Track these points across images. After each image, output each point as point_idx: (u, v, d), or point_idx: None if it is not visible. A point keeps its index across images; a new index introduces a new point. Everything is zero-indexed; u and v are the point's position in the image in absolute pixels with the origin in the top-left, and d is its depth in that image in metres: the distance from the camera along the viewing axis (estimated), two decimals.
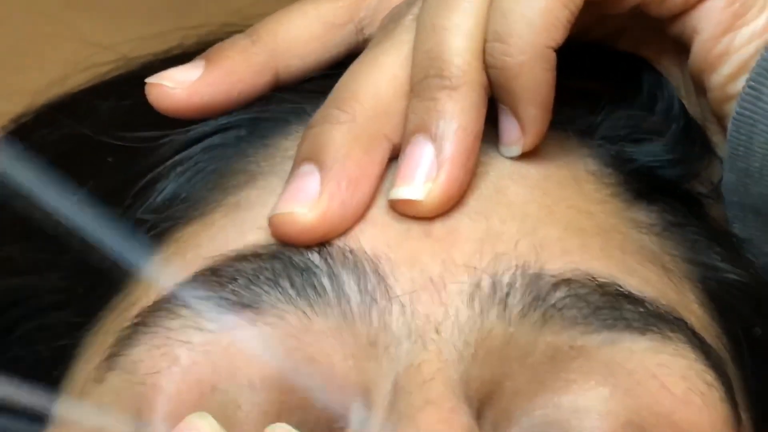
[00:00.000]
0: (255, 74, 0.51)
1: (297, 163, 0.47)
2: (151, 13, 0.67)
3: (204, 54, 0.52)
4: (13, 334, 0.51)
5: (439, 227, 0.46)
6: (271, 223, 0.46)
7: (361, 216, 0.46)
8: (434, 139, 0.46)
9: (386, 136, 0.47)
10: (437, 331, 0.44)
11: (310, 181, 0.46)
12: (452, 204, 0.46)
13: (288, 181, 0.47)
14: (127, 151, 0.51)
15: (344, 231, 0.46)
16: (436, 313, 0.44)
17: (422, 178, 0.46)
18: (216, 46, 0.52)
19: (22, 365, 0.50)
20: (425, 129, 0.46)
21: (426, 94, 0.47)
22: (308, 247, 0.45)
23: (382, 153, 0.47)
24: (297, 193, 0.46)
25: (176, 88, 0.50)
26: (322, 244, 0.45)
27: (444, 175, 0.46)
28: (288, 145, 0.49)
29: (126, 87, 0.56)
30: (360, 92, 0.47)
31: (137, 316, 0.46)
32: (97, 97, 0.56)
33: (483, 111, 0.47)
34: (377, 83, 0.47)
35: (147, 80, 0.51)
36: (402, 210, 0.46)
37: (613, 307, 0.45)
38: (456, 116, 0.46)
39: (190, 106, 0.50)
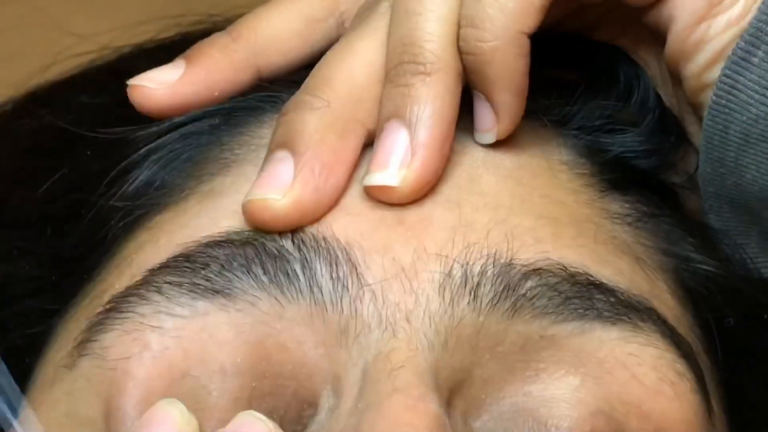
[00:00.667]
0: (236, 72, 0.51)
1: (271, 149, 0.47)
2: (133, 3, 0.67)
3: (185, 53, 0.52)
4: None
5: (412, 216, 0.46)
6: (245, 209, 0.46)
7: (335, 202, 0.46)
8: (409, 125, 0.46)
9: (361, 121, 0.47)
10: (407, 320, 0.44)
11: (283, 167, 0.46)
12: (427, 189, 0.46)
13: (262, 167, 0.47)
14: (103, 142, 0.51)
15: (318, 217, 0.46)
16: (407, 301, 0.44)
17: (397, 164, 0.46)
18: (196, 44, 0.52)
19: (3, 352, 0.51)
20: (400, 115, 0.46)
21: (400, 80, 0.46)
22: (281, 233, 0.45)
23: (356, 139, 0.47)
24: (270, 180, 0.46)
25: (158, 88, 0.50)
26: (295, 230, 0.45)
27: (418, 161, 0.46)
28: (263, 132, 0.49)
29: (103, 79, 0.56)
30: (334, 78, 0.47)
31: (109, 302, 0.46)
32: (75, 89, 0.56)
33: (457, 96, 0.47)
34: (352, 69, 0.47)
35: (129, 82, 0.51)
36: (377, 196, 0.46)
37: (583, 296, 0.45)
38: (430, 102, 0.46)
39: (173, 106, 0.50)
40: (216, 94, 0.50)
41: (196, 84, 0.50)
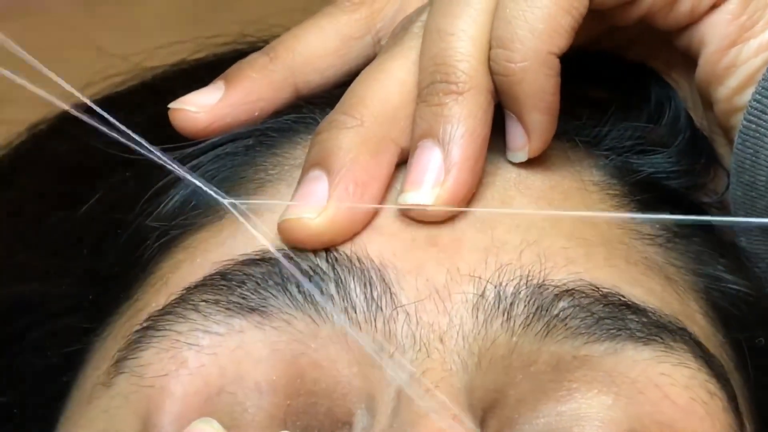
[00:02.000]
0: (275, 92, 0.52)
1: (306, 168, 0.47)
2: (166, 24, 0.68)
3: (223, 74, 0.52)
4: (24, 339, 0.51)
5: (444, 237, 0.46)
6: (280, 228, 0.46)
7: (369, 220, 0.46)
8: (442, 143, 0.46)
9: (394, 140, 0.47)
10: (441, 340, 0.44)
11: (318, 186, 0.46)
12: None
13: (297, 186, 0.47)
14: (139, 162, 0.52)
15: (353, 235, 0.46)
16: (441, 322, 0.45)
17: (430, 183, 0.46)
18: (235, 65, 0.53)
19: (33, 371, 0.51)
20: (432, 134, 0.47)
21: (433, 99, 0.47)
22: (316, 253, 0.46)
23: (389, 157, 0.47)
24: (305, 198, 0.46)
25: (199, 111, 0.51)
26: (329, 250, 0.46)
27: (452, 180, 0.46)
28: (296, 154, 0.50)
29: (138, 99, 0.57)
30: (368, 97, 0.48)
31: (147, 320, 0.46)
32: (110, 109, 0.56)
33: (490, 115, 0.47)
34: (385, 88, 0.48)
35: (170, 106, 0.52)
36: (411, 215, 0.47)
37: (616, 317, 0.45)
38: (463, 121, 0.46)
39: (213, 128, 0.51)
40: (256, 114, 0.51)
41: (236, 105, 0.51)
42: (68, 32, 0.72)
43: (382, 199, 0.47)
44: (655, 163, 0.51)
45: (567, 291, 0.45)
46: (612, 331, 0.45)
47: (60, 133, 0.56)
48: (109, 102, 0.58)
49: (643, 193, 0.50)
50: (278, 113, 0.51)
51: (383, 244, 0.46)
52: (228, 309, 0.45)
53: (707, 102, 0.51)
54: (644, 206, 0.50)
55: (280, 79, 0.52)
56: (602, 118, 0.52)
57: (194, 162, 0.50)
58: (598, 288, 0.46)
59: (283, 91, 0.52)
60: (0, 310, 0.52)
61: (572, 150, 0.50)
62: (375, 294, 0.45)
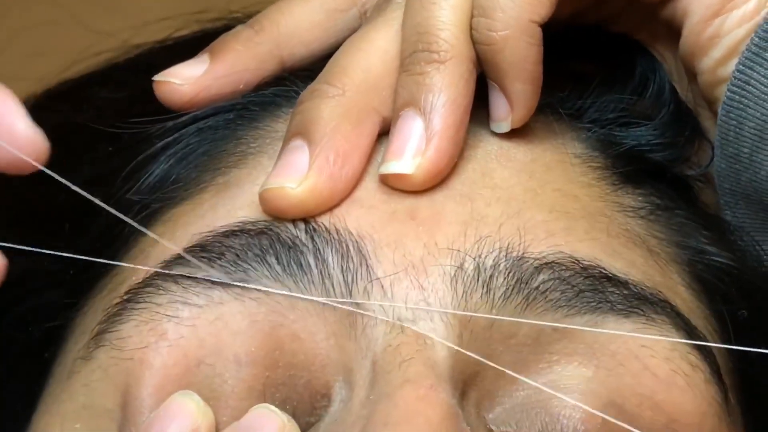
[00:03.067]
0: (260, 64, 0.51)
1: (287, 138, 0.47)
2: (153, 1, 0.67)
3: (208, 47, 0.52)
4: (7, 315, 0.51)
5: (423, 210, 0.46)
6: (261, 197, 0.46)
7: (351, 189, 0.46)
8: (423, 113, 0.46)
9: (376, 109, 0.47)
10: (414, 321, 0.44)
11: (299, 155, 0.46)
12: (442, 177, 0.47)
13: (278, 156, 0.47)
14: (121, 137, 0.52)
15: (334, 205, 0.46)
16: (415, 297, 0.44)
17: (411, 152, 0.46)
18: (220, 38, 0.53)
19: (16, 346, 0.51)
20: (414, 103, 0.46)
21: (415, 69, 0.47)
22: (295, 224, 0.45)
23: (371, 126, 0.47)
24: (286, 168, 0.46)
25: (184, 84, 0.51)
26: (308, 221, 0.46)
27: (433, 149, 0.46)
28: (278, 127, 0.50)
29: (123, 75, 0.56)
30: (350, 67, 0.48)
31: (126, 293, 0.46)
32: (95, 85, 0.56)
33: (472, 84, 0.47)
34: (367, 58, 0.48)
35: (154, 78, 0.51)
36: (392, 184, 0.46)
37: (596, 289, 0.45)
38: (444, 89, 0.46)
39: (199, 101, 0.51)
40: (241, 86, 0.51)
41: (221, 78, 0.51)
42: (55, 9, 0.72)
43: (364, 169, 0.47)
44: (638, 136, 0.51)
45: (547, 264, 0.45)
46: (592, 304, 0.45)
47: (43, 109, 0.56)
48: (93, 78, 0.58)
49: (626, 165, 0.50)
50: (261, 86, 0.51)
51: (362, 216, 0.46)
52: (207, 281, 0.45)
53: (691, 74, 0.51)
54: (627, 178, 0.50)
55: (265, 51, 0.52)
56: (585, 91, 0.51)
57: (175, 135, 0.50)
58: (578, 261, 0.45)
59: (268, 63, 0.52)
60: None
61: (555, 122, 0.50)
62: (351, 266, 0.45)
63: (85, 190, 0.51)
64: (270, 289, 0.45)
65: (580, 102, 0.51)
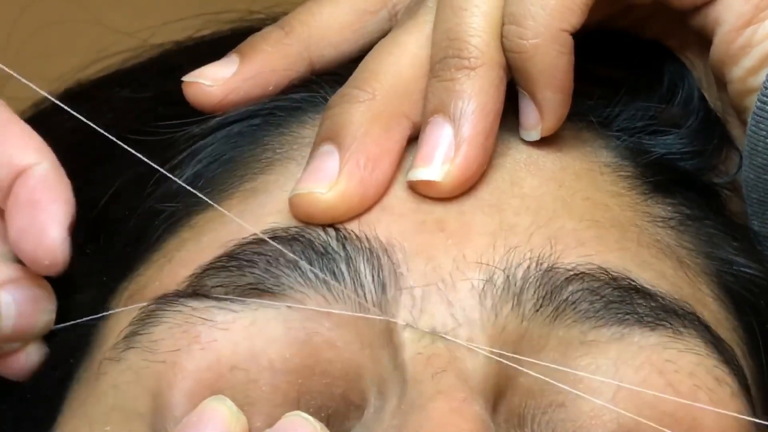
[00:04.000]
0: (289, 66, 0.51)
1: (317, 143, 0.47)
2: (173, 1, 0.67)
3: (237, 48, 0.52)
4: None
5: (452, 222, 0.46)
6: (291, 203, 0.46)
7: (381, 194, 0.46)
8: (452, 119, 0.46)
9: (406, 114, 0.47)
10: (445, 329, 0.44)
11: (329, 160, 0.46)
12: (471, 184, 0.46)
13: (308, 161, 0.47)
14: (145, 141, 0.51)
15: (364, 210, 0.46)
16: (443, 313, 0.44)
17: (440, 159, 0.46)
18: (249, 39, 0.52)
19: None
20: (444, 109, 0.46)
21: (445, 75, 0.46)
22: (326, 231, 0.45)
23: (401, 131, 0.47)
24: (316, 173, 0.46)
25: (213, 85, 0.51)
26: (338, 228, 0.45)
27: (462, 156, 0.46)
28: (305, 132, 0.49)
29: (144, 76, 0.56)
30: (380, 71, 0.47)
31: (161, 297, 0.46)
32: (116, 86, 0.56)
33: (502, 91, 0.47)
34: (398, 63, 0.47)
35: (183, 79, 0.51)
36: (421, 191, 0.46)
37: (624, 301, 0.45)
38: (474, 96, 0.46)
39: (228, 103, 0.51)
40: (270, 88, 0.51)
41: (251, 79, 0.50)
42: (75, 8, 0.72)
43: (394, 174, 0.46)
44: (667, 144, 0.51)
45: (577, 275, 0.45)
46: (620, 315, 0.45)
47: (62, 110, 0.56)
48: (114, 79, 0.57)
49: (655, 174, 0.50)
50: (289, 89, 0.51)
51: (391, 224, 0.45)
52: (241, 291, 0.45)
53: (721, 82, 0.50)
54: (656, 188, 0.49)
55: (294, 53, 0.51)
56: (614, 98, 0.51)
57: (200, 143, 0.50)
58: (608, 271, 0.45)
59: (297, 65, 0.51)
60: None
61: (583, 131, 0.50)
62: (382, 275, 0.44)
63: (108, 195, 0.51)
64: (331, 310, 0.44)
65: (609, 110, 0.51)
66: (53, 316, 0.47)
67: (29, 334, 0.47)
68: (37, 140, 0.47)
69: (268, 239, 0.45)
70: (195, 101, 0.51)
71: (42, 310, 0.47)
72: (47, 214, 0.45)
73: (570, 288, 0.45)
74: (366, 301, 0.44)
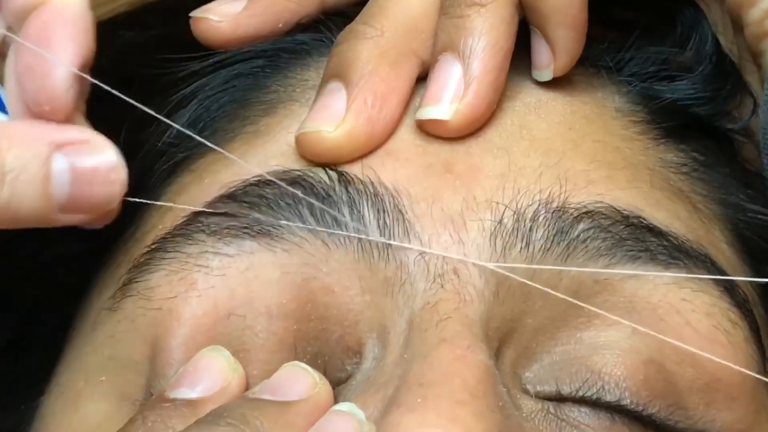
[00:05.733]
0: (299, 2, 0.50)
1: (324, 80, 0.46)
2: None
3: None
4: (29, 266, 0.50)
5: (460, 164, 0.45)
6: (297, 141, 0.45)
7: (389, 133, 0.45)
8: (462, 57, 0.45)
9: (415, 52, 0.46)
10: (455, 272, 0.43)
11: (336, 98, 0.45)
12: (480, 123, 0.45)
13: (315, 98, 0.46)
14: (148, 81, 0.51)
15: (372, 148, 0.45)
16: (455, 252, 0.43)
17: (449, 97, 0.45)
18: None
19: (37, 300, 0.50)
20: (453, 47, 0.45)
21: (455, 11, 0.45)
22: (328, 174, 0.44)
23: (410, 68, 0.46)
24: (323, 111, 0.45)
25: (221, 21, 0.49)
26: (341, 172, 0.44)
27: (471, 95, 0.45)
28: (308, 75, 0.48)
29: (150, 17, 0.55)
30: (389, 8, 0.46)
31: (154, 242, 0.45)
32: (120, 28, 0.55)
33: (513, 28, 0.46)
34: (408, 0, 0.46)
35: (192, 14, 0.50)
36: (429, 130, 0.45)
37: (637, 238, 0.44)
38: (485, 33, 0.45)
39: (236, 39, 0.50)
40: (279, 25, 0.50)
41: (260, 16, 0.49)
42: None
43: (402, 113, 0.45)
44: (679, 89, 0.50)
45: (587, 213, 0.44)
46: (632, 253, 0.44)
47: None
48: (118, 21, 0.56)
49: (668, 119, 0.49)
50: (295, 30, 0.50)
51: (398, 170, 0.44)
52: (240, 230, 0.44)
53: (737, 25, 0.49)
54: (669, 133, 0.48)
55: None
56: (626, 43, 0.50)
57: (201, 81, 0.49)
58: (619, 210, 0.44)
59: (308, 2, 0.50)
60: (7, 236, 0.50)
61: (594, 76, 0.49)
62: (388, 220, 0.43)
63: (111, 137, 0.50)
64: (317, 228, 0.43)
65: (621, 54, 0.50)
66: (121, 188, 0.42)
67: (90, 206, 0.42)
68: None
69: (274, 180, 0.44)
70: (203, 37, 0.50)
71: (105, 182, 0.42)
72: (54, 52, 0.41)
73: (580, 226, 0.44)
74: (370, 245, 0.43)
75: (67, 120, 0.42)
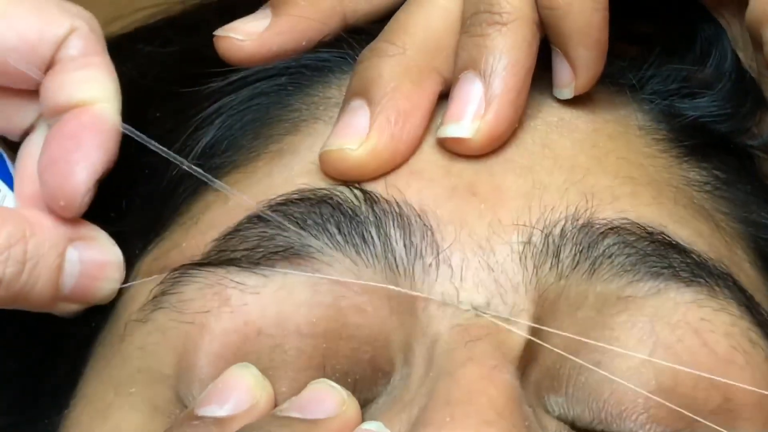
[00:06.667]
0: (322, 20, 0.50)
1: (347, 98, 0.46)
2: None
3: (270, 2, 0.51)
4: None
5: (484, 185, 0.45)
6: (321, 159, 0.45)
7: (412, 151, 0.45)
8: (483, 75, 0.45)
9: (437, 69, 0.46)
10: (488, 304, 0.43)
11: (359, 116, 0.45)
12: (501, 142, 0.46)
13: (338, 116, 0.46)
14: (169, 97, 0.51)
15: (395, 166, 0.45)
16: (485, 280, 0.43)
17: (471, 115, 0.45)
18: None
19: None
20: (474, 65, 0.45)
21: (476, 30, 0.46)
22: (355, 194, 0.44)
23: (432, 86, 0.46)
24: (346, 129, 0.45)
25: (245, 39, 0.50)
26: (366, 191, 0.44)
27: (492, 113, 0.45)
28: (330, 93, 0.49)
29: (169, 32, 0.55)
30: (411, 25, 0.46)
31: (188, 264, 0.45)
32: (140, 42, 0.55)
33: (534, 48, 0.46)
34: (429, 17, 0.47)
35: (215, 33, 0.50)
36: (450, 148, 0.45)
37: (660, 254, 0.44)
38: (506, 52, 0.45)
39: (260, 57, 0.50)
40: (303, 43, 0.50)
41: (284, 34, 0.50)
42: None
43: (425, 130, 0.46)
44: (700, 107, 0.50)
45: (613, 228, 0.44)
46: (656, 269, 0.44)
47: None
48: (139, 35, 0.57)
49: (690, 137, 0.49)
50: (317, 48, 0.50)
51: (422, 190, 0.45)
52: (269, 254, 0.44)
53: (757, 42, 0.49)
54: (691, 151, 0.49)
55: (328, 7, 0.50)
56: (647, 60, 0.50)
57: (225, 100, 0.49)
58: (643, 226, 0.45)
59: (331, 19, 0.50)
60: None
61: (616, 94, 0.49)
62: (414, 240, 0.44)
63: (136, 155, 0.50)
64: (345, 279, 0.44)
65: (642, 72, 0.50)
66: (117, 286, 0.46)
67: (88, 299, 0.45)
68: (74, 9, 0.45)
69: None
70: (227, 56, 0.50)
71: (107, 278, 0.45)
72: (83, 156, 0.43)
73: (606, 242, 0.44)
74: (396, 265, 0.44)
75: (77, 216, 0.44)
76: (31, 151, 0.45)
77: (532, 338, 0.43)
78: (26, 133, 0.46)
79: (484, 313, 0.43)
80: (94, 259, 0.44)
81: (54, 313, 0.45)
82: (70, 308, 0.45)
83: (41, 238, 0.43)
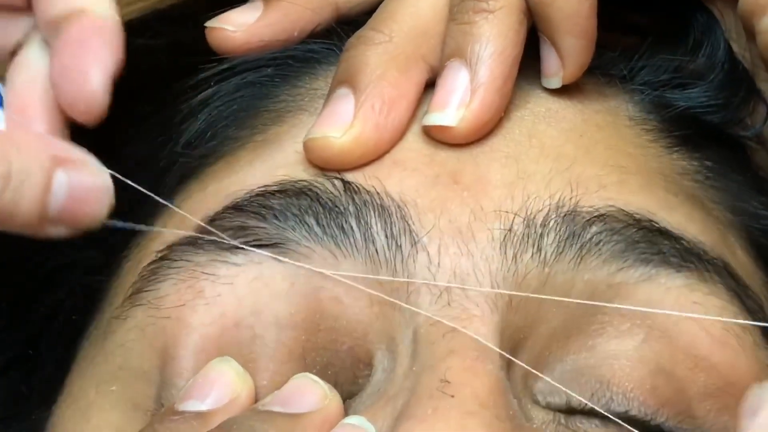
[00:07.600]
0: (314, 11, 0.50)
1: (333, 86, 0.46)
2: None
3: None
4: (41, 270, 0.50)
5: (468, 175, 0.44)
6: (305, 147, 0.45)
7: (397, 139, 0.45)
8: (469, 63, 0.45)
9: (424, 57, 0.46)
10: (462, 282, 0.43)
11: (344, 104, 0.45)
12: (487, 130, 0.45)
13: (324, 104, 0.45)
14: (159, 89, 0.50)
15: (380, 154, 0.44)
16: (464, 266, 0.43)
17: (456, 103, 0.45)
18: None
19: (49, 309, 0.50)
20: (460, 53, 0.45)
21: (463, 18, 0.45)
22: (334, 184, 0.44)
23: (419, 74, 0.46)
24: (331, 117, 0.45)
25: (236, 31, 0.49)
26: (347, 182, 0.44)
27: (477, 101, 0.44)
28: (316, 84, 0.48)
29: (159, 25, 0.55)
30: (398, 13, 0.46)
31: (162, 251, 0.45)
32: (130, 34, 0.55)
33: (522, 36, 0.45)
34: (417, 5, 0.46)
35: (206, 24, 0.50)
36: (435, 136, 0.45)
37: (649, 241, 0.44)
38: (492, 40, 0.45)
39: (251, 49, 0.49)
40: (295, 34, 0.49)
41: (275, 25, 0.49)
42: None
43: (410, 119, 0.45)
44: (692, 97, 0.49)
45: (599, 216, 0.44)
46: (645, 255, 0.44)
47: None
48: (129, 27, 0.56)
49: (681, 128, 0.48)
50: (311, 37, 0.50)
51: (404, 180, 0.44)
52: (245, 241, 0.44)
53: (750, 33, 0.49)
54: (682, 141, 0.48)
55: None
56: (638, 51, 0.50)
57: (211, 90, 0.49)
58: (631, 213, 0.44)
59: (322, 10, 0.50)
60: (17, 246, 0.50)
61: (606, 85, 0.49)
62: (395, 231, 0.43)
63: (121, 150, 0.50)
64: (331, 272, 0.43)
65: (633, 63, 0.49)
66: (106, 212, 0.43)
67: (76, 223, 0.43)
68: None
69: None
70: (218, 47, 0.50)
71: (95, 201, 0.43)
72: (94, 57, 0.43)
73: (592, 229, 0.43)
74: (378, 256, 0.43)
75: (99, 122, 0.43)
76: (20, 70, 0.45)
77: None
78: (13, 54, 0.46)
79: (463, 287, 0.42)
80: (83, 182, 0.43)
81: (41, 237, 0.44)
82: (59, 231, 0.43)
83: (27, 158, 0.42)
